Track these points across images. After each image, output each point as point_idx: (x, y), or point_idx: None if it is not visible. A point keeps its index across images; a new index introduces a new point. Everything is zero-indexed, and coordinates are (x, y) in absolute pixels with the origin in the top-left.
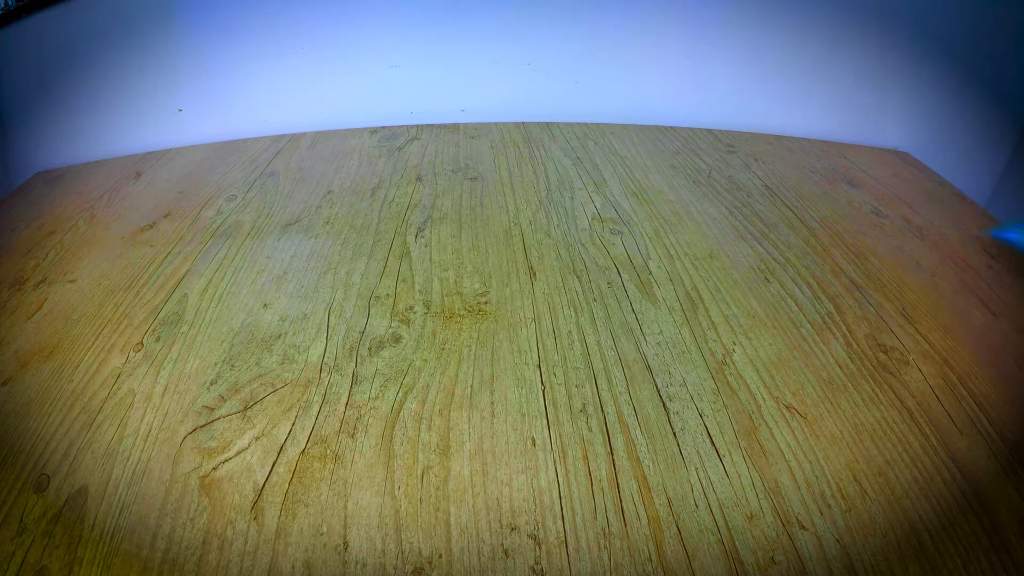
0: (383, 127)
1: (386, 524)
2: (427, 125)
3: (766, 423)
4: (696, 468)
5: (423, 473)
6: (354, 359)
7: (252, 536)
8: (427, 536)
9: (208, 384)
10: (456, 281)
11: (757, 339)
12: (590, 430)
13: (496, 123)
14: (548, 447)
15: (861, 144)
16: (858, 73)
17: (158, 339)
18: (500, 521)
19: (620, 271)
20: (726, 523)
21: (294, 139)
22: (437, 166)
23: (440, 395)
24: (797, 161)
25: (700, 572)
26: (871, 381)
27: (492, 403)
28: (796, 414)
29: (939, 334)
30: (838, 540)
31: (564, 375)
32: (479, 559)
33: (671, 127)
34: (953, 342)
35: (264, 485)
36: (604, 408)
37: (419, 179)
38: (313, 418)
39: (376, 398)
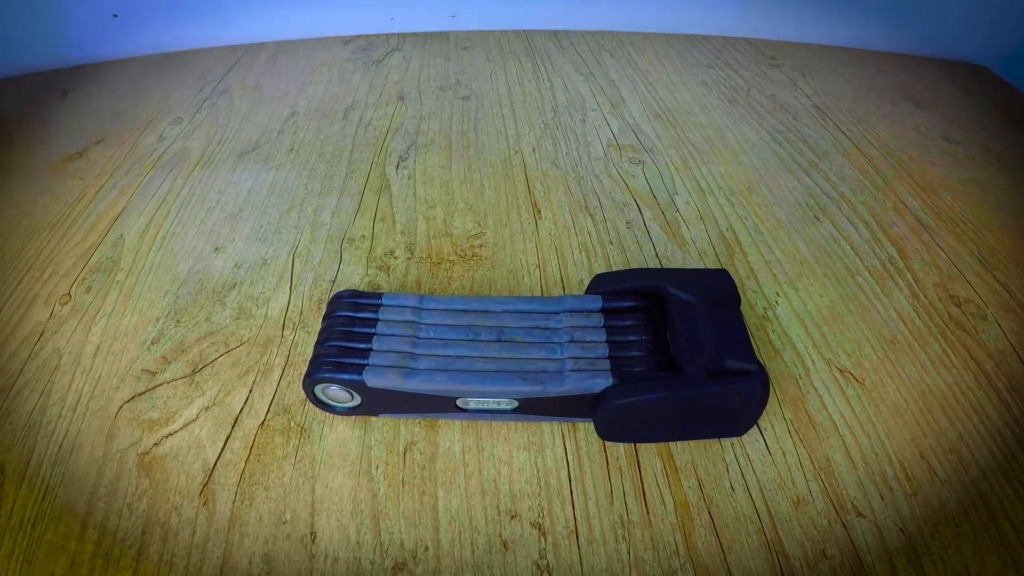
0: (358, 36)
1: (361, 511)
2: (411, 34)
3: (815, 390)
4: (732, 444)
5: (406, 449)
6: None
7: (201, 525)
8: (410, 525)
9: (149, 343)
10: (445, 220)
11: (805, 289)
12: None
13: (493, 31)
14: None
15: (929, 56)
16: None
17: (89, 289)
18: (498, 507)
19: (641, 208)
20: (768, 509)
21: (251, 50)
22: (422, 83)
23: None
24: (853, 77)
25: (737, 568)
26: (941, 339)
27: None
28: (852, 379)
29: (1023, 283)
30: (902, 529)
31: None
32: (472, 552)
33: (702, 36)
34: None
35: (215, 464)
36: None
37: (401, 98)
38: (274, 384)
39: None
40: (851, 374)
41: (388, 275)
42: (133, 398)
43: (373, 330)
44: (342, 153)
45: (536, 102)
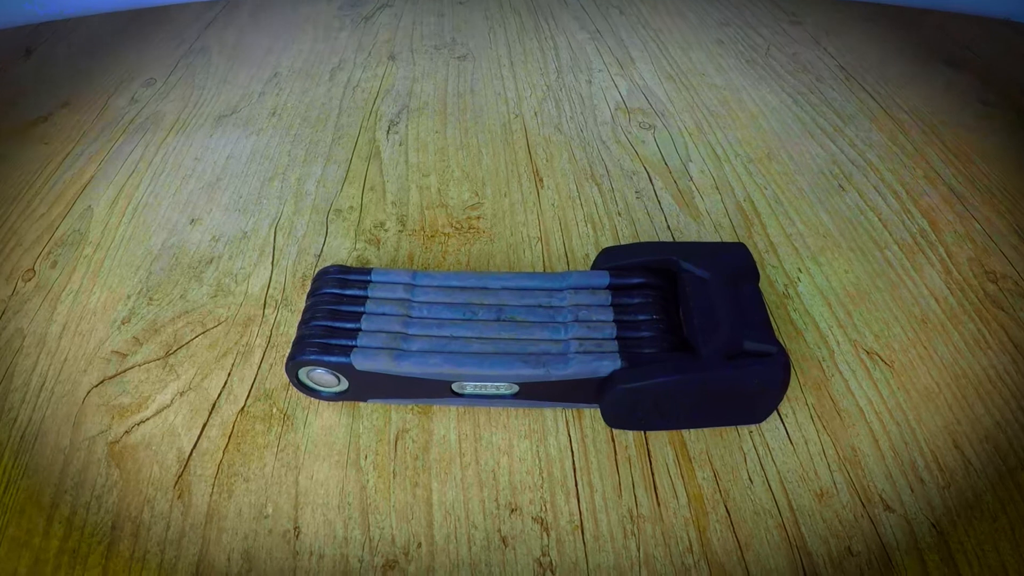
0: None
1: (349, 504)
2: None
3: (840, 373)
4: (750, 432)
5: (397, 438)
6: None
7: (176, 519)
8: (402, 520)
9: (119, 323)
10: (440, 190)
11: (829, 265)
12: None
13: None
14: None
15: (964, 12)
16: None
17: (54, 265)
18: (497, 500)
19: (652, 177)
20: (789, 503)
21: (230, 6)
22: (415, 41)
23: None
24: (880, 34)
25: (755, 565)
26: (976, 318)
27: None
28: (879, 361)
29: None
30: (934, 524)
31: None
32: (469, 549)
33: None
34: None
35: (191, 453)
36: None
37: (392, 58)
38: (255, 367)
39: None
40: (879, 356)
41: (378, 249)
42: (102, 382)
43: (362, 308)
44: (328, 117)
45: (538, 62)
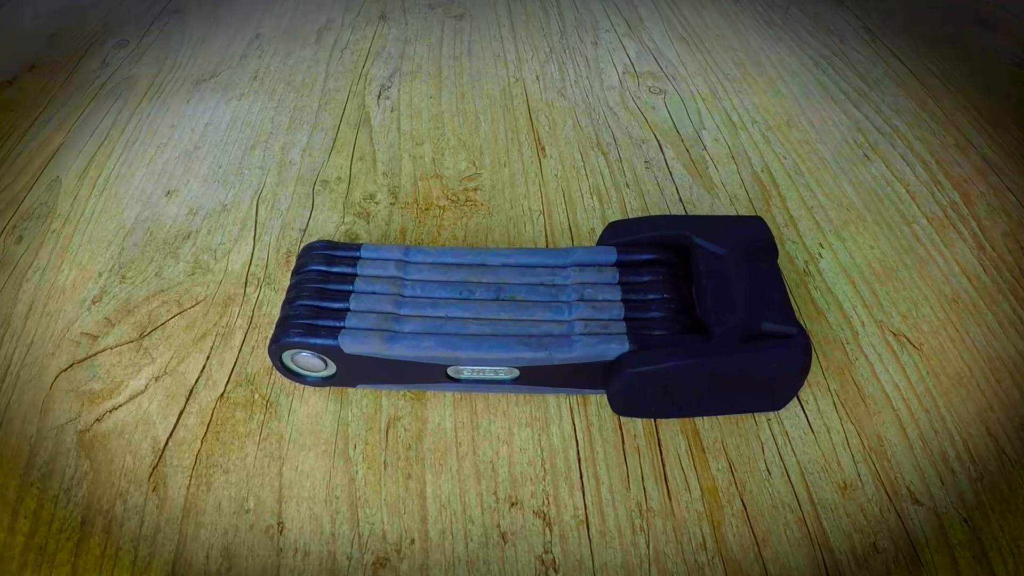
0: None
1: (337, 498)
2: None
3: (865, 356)
4: (768, 419)
5: (388, 426)
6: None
7: (151, 513)
8: (394, 514)
9: (90, 302)
10: (434, 159)
11: (853, 240)
12: None
13: None
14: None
15: None
16: None
17: (19, 240)
18: (496, 493)
19: (663, 145)
20: (810, 496)
21: None
22: (407, 0)
23: None
24: None
25: (774, 563)
26: (1011, 297)
27: None
28: (907, 343)
29: None
30: (965, 519)
31: None
32: (466, 546)
33: None
34: None
35: (167, 443)
36: None
37: (383, 17)
38: (235, 350)
39: None
40: (906, 338)
41: (368, 223)
42: (71, 366)
43: (350, 287)
44: (314, 81)
45: (540, 22)
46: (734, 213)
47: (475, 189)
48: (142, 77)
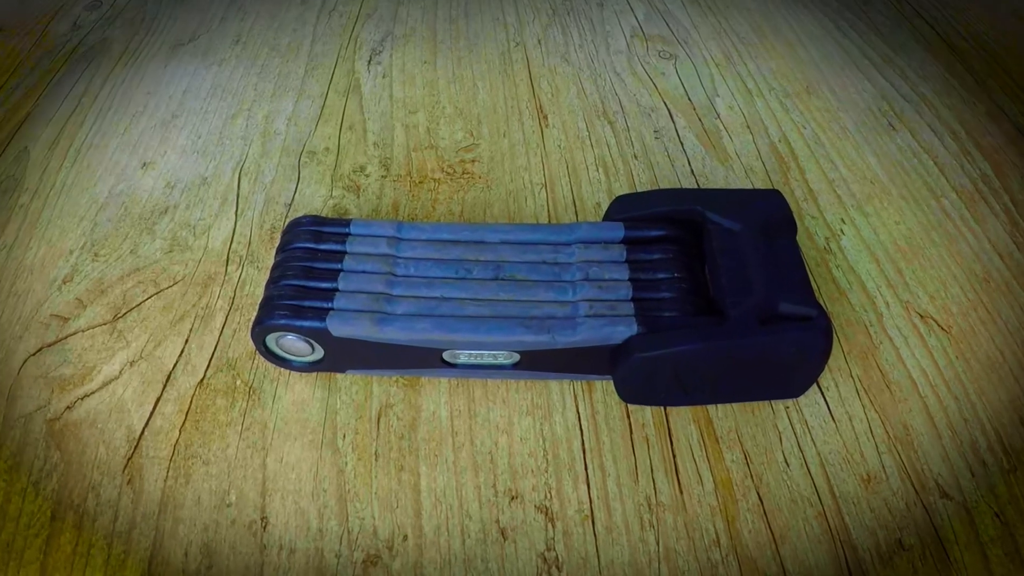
0: None
1: (324, 491)
2: None
3: (891, 340)
4: (786, 407)
5: (380, 414)
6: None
7: (125, 508)
8: (386, 509)
9: (60, 282)
10: (429, 129)
11: (877, 216)
12: None
13: None
14: None
15: None
16: None
17: None
18: (495, 486)
19: (673, 114)
20: (830, 489)
21: None
22: None
23: None
24: None
25: (792, 560)
26: None
27: None
28: (935, 326)
29: None
30: (998, 514)
31: None
32: (463, 542)
33: None
34: None
35: (143, 432)
36: None
37: None
38: (216, 333)
39: None
40: (934, 320)
41: (358, 197)
42: (40, 350)
43: (339, 266)
44: (300, 45)
45: None
46: (750, 186)
47: (472, 161)
48: (116, 41)
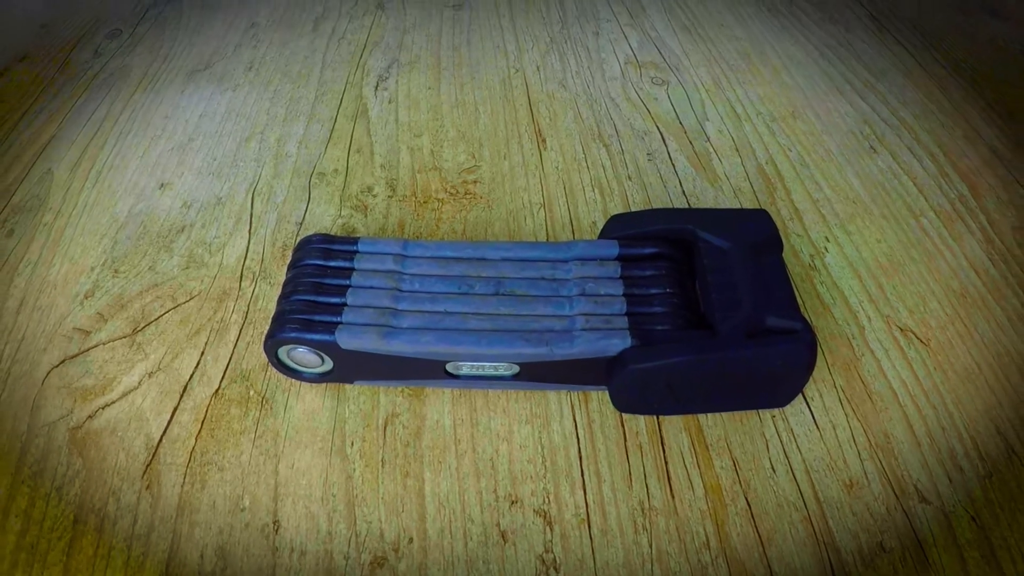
0: None
1: (333, 496)
2: None
3: (872, 352)
4: (773, 416)
5: (386, 423)
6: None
7: (144, 512)
8: (392, 513)
9: (82, 297)
10: (433, 151)
11: (859, 234)
12: None
13: None
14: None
15: None
16: None
17: (11, 233)
18: (495, 491)
19: (665, 137)
20: (815, 494)
21: None
22: None
23: None
24: None
25: (778, 562)
26: (1021, 293)
27: None
28: (914, 339)
29: None
30: (974, 518)
31: None
32: (465, 544)
33: None
34: None
35: (161, 440)
36: None
37: (380, 7)
38: (230, 346)
39: None
40: (914, 333)
41: (365, 216)
42: (63, 362)
43: (347, 281)
44: (311, 72)
45: (541, 11)
46: (738, 206)
47: (474, 182)
48: (135, 67)
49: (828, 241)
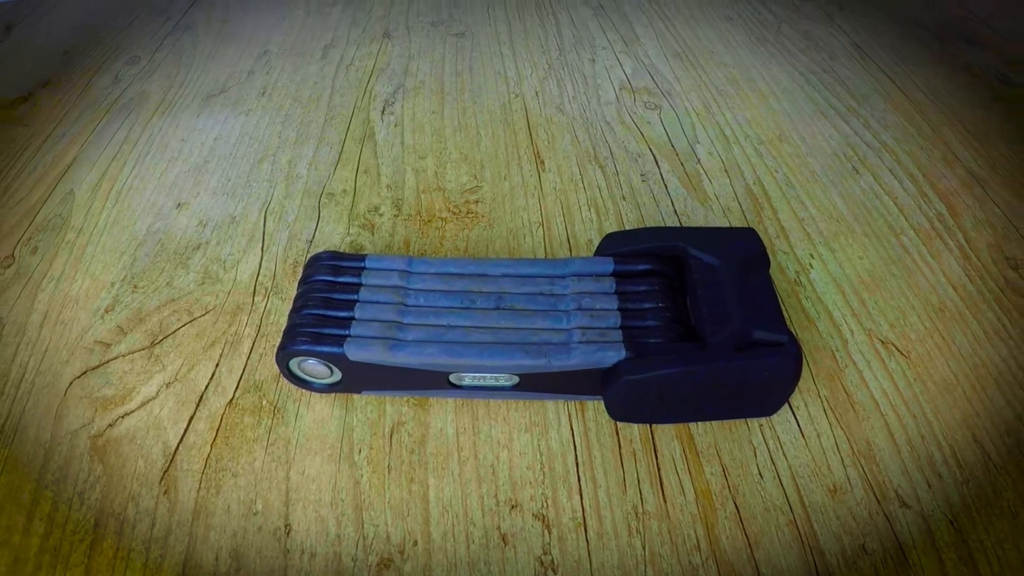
0: None
1: (342, 500)
2: None
3: (854, 364)
4: (760, 425)
5: (392, 431)
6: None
7: (162, 516)
8: (397, 517)
9: (102, 311)
10: (437, 173)
11: (842, 251)
12: None
13: None
14: None
15: None
16: None
17: (35, 251)
18: (496, 496)
19: (658, 159)
20: (801, 499)
21: None
22: (411, 17)
23: None
24: (896, 11)
25: (766, 564)
26: (996, 307)
27: None
28: (895, 351)
29: None
30: (952, 521)
31: None
32: (468, 547)
33: None
34: None
35: (177, 447)
36: None
37: (387, 35)
38: (244, 357)
39: None
40: (894, 346)
41: (372, 234)
42: (84, 373)
43: (355, 296)
44: (320, 97)
45: (539, 39)
46: (727, 225)
47: (476, 201)
48: (153, 93)
49: (813, 258)
